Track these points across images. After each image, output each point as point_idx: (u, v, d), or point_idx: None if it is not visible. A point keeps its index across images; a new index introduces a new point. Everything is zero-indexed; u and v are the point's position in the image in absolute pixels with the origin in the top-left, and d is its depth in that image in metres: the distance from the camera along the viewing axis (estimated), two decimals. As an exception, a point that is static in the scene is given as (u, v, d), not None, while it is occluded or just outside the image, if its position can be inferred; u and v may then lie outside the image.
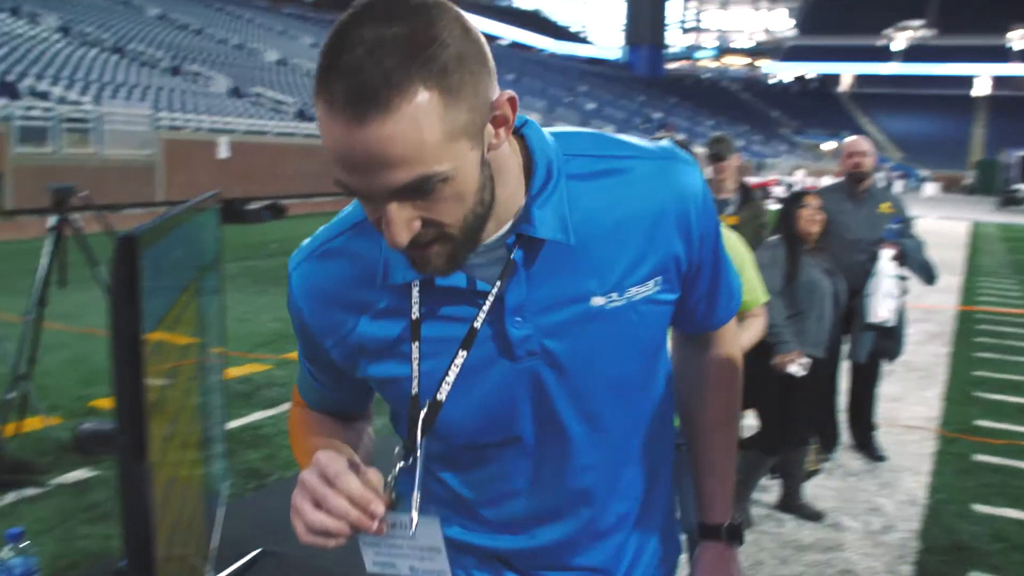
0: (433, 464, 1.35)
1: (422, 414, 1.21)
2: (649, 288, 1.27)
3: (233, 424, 5.81)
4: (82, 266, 5.34)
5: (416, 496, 1.15)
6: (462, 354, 1.22)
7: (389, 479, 1.14)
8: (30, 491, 4.83)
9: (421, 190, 1.07)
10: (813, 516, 4.72)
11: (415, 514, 1.13)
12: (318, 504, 1.10)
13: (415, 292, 1.22)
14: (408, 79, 1.02)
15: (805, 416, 4.52)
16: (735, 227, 4.68)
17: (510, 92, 1.13)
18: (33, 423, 5.71)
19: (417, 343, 1.22)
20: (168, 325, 1.99)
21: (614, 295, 1.24)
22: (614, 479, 1.33)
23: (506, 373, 1.23)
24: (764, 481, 5.02)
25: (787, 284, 4.33)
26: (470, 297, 1.22)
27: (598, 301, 1.23)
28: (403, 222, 1.08)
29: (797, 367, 4.17)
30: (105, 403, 6.51)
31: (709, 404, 1.49)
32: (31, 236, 11.59)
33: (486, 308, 1.21)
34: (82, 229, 5.21)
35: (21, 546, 1.95)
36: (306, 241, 1.31)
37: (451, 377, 1.21)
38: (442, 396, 1.21)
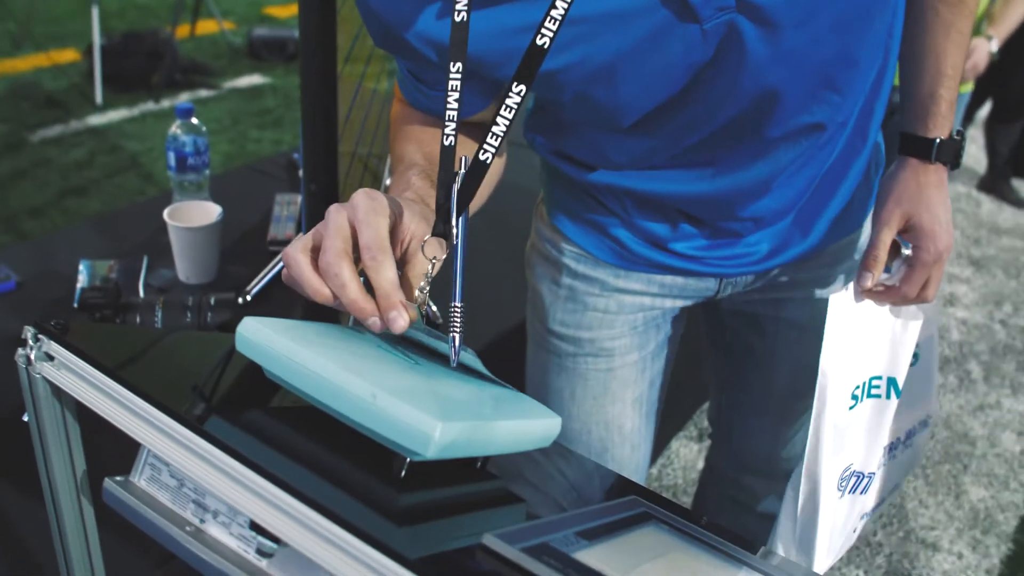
0: (569, 138, 1.05)
1: (457, 182, 0.79)
2: None
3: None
4: None
5: (458, 307, 0.78)
6: (515, 96, 0.76)
7: (424, 283, 0.79)
8: (203, 93, 4.86)
9: None
10: (1016, 202, 4.35)
11: (457, 338, 0.78)
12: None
13: None
14: None
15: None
16: None
17: None
18: (207, 26, 5.69)
19: (458, 65, 0.77)
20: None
21: None
22: (823, 118, 0.98)
23: (690, 39, 0.84)
24: (968, 162, 4.63)
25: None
26: None
27: None
28: None
29: None
30: (279, 10, 6.42)
31: None
32: None
33: None
34: None
35: (192, 122, 1.83)
36: None
37: (500, 128, 0.77)
38: (487, 156, 0.78)
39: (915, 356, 1.19)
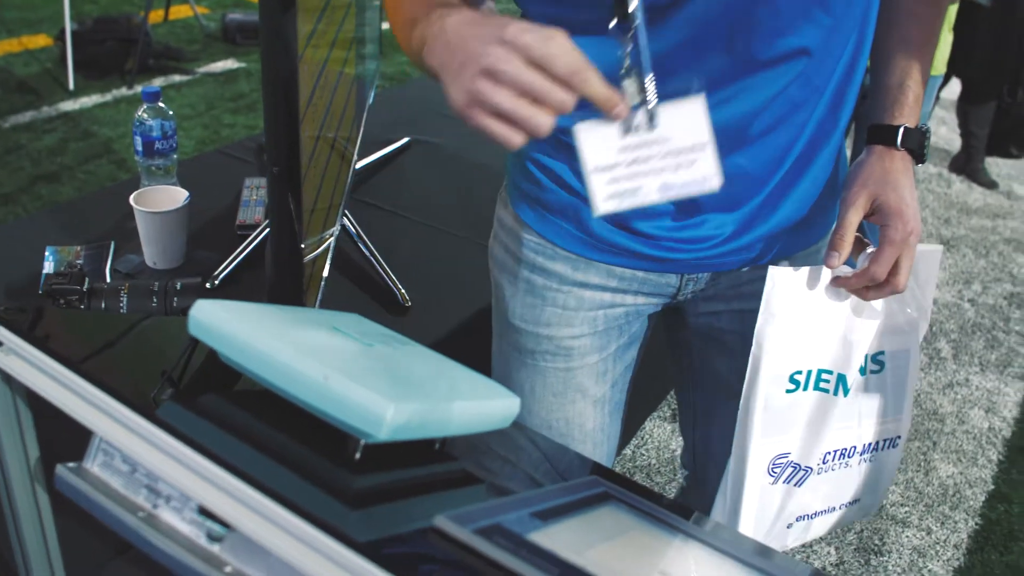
0: None
1: None
2: None
3: (387, 26, 5.61)
4: None
5: (650, 78, 0.82)
6: None
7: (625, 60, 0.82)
8: (177, 78, 4.82)
9: None
10: (987, 183, 4.38)
11: (651, 89, 0.81)
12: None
13: None
14: None
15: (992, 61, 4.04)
16: None
17: None
18: (181, 11, 5.64)
19: None
20: None
21: None
22: (810, 42, 0.99)
23: None
24: (939, 143, 4.64)
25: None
26: None
27: None
28: None
29: None
30: (250, -5, 6.38)
31: None
32: None
33: None
34: None
35: (159, 106, 1.82)
36: None
37: None
38: None
39: (880, 363, 1.16)
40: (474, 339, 1.68)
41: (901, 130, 1.07)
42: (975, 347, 3.11)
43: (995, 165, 4.53)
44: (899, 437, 1.21)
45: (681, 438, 2.46)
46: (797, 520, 1.19)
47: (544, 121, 0.77)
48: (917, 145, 1.08)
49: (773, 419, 1.11)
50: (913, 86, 1.09)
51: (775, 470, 1.13)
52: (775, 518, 1.17)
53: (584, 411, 1.23)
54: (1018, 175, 4.59)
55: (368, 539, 0.59)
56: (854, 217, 1.06)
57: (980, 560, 2.23)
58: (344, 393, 0.66)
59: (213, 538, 0.65)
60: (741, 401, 1.10)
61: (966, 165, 4.43)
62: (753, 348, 1.08)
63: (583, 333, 1.19)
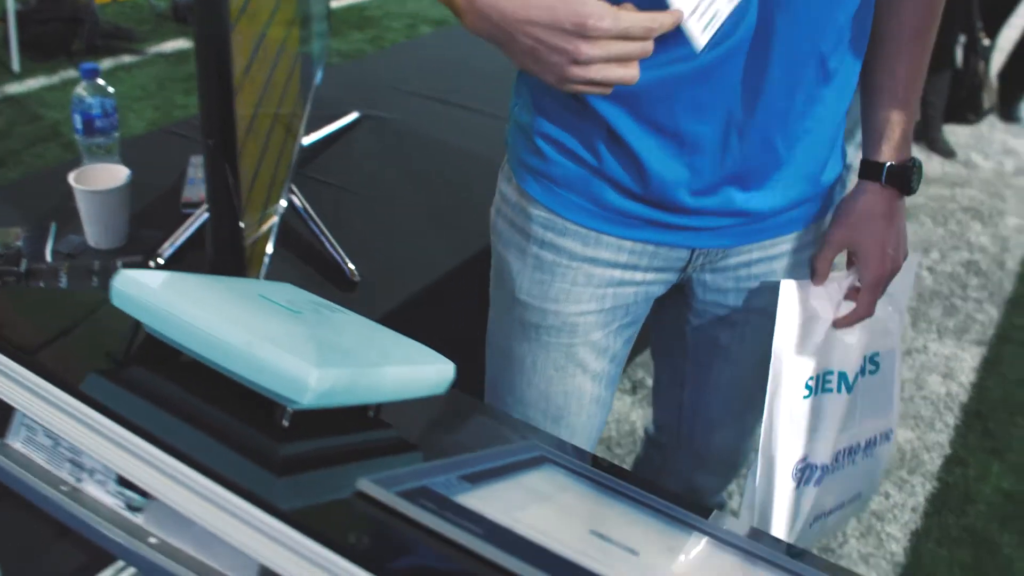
0: None
1: None
2: None
3: (337, 3, 5.55)
4: None
5: None
6: None
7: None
8: (127, 58, 4.73)
9: None
10: (945, 152, 4.41)
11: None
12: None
13: None
14: None
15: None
16: None
17: None
18: (130, -10, 5.54)
19: None
20: None
21: None
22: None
23: None
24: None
25: None
26: None
27: None
28: None
29: None
30: (202, -25, 6.27)
31: (906, 5, 1.12)
32: None
33: None
34: None
35: (98, 83, 1.78)
36: None
37: None
38: None
39: (876, 364, 1.23)
40: (423, 312, 1.67)
41: (886, 168, 1.13)
42: (933, 315, 3.14)
43: (953, 135, 4.56)
44: (891, 430, 1.29)
45: (641, 411, 2.48)
46: (816, 519, 1.24)
47: (634, 73, 0.87)
48: (903, 181, 1.13)
49: (795, 426, 1.16)
50: (900, 122, 1.13)
51: (796, 475, 1.18)
52: (801, 520, 1.21)
53: (583, 385, 1.24)
54: (976, 144, 4.62)
55: (293, 506, 0.58)
56: (828, 253, 1.17)
57: (937, 523, 2.26)
58: (268, 359, 0.65)
59: (133, 508, 0.63)
60: (764, 414, 1.15)
61: (924, 134, 4.45)
62: (772, 361, 1.14)
63: (590, 310, 1.18)
